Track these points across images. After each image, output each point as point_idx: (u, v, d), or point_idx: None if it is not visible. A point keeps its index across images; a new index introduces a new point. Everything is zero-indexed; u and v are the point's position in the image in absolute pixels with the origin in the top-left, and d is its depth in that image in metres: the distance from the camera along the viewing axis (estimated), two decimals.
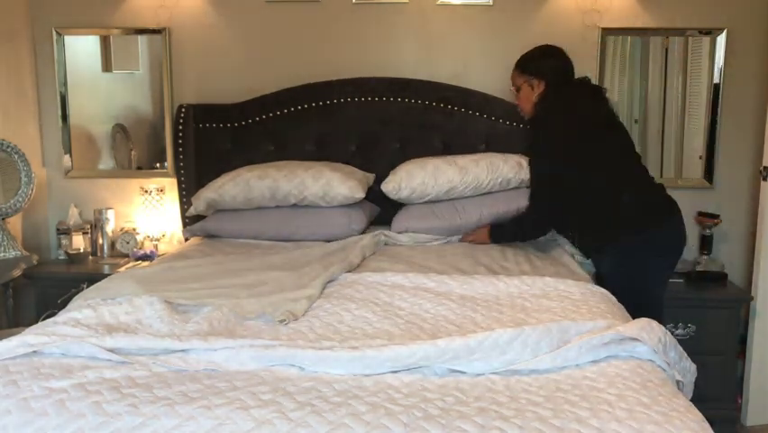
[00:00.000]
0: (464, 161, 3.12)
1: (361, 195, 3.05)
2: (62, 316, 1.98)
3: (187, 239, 3.27)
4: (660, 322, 1.87)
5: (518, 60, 2.90)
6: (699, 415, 1.49)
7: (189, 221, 3.40)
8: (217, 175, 3.22)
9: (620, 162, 2.71)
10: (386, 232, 3.01)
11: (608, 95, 2.84)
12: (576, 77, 2.85)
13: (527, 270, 2.57)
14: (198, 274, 2.45)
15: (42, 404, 1.47)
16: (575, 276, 2.51)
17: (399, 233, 3.03)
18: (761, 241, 3.13)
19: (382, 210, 3.28)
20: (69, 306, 2.17)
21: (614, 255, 2.70)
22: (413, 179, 3.06)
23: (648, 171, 2.80)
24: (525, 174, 3.05)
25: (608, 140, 2.70)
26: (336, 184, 3.02)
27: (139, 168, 3.67)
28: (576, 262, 2.78)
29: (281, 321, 1.96)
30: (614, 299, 2.25)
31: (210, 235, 3.15)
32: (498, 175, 3.07)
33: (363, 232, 3.07)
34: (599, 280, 2.68)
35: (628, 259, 2.66)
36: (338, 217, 3.03)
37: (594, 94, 2.80)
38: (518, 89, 2.88)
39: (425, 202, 3.12)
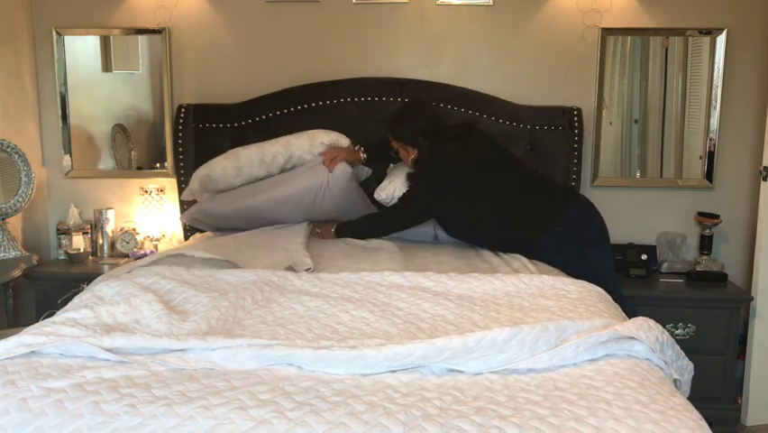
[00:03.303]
0: None
1: (345, 141, 3.09)
2: (60, 316, 1.98)
3: (185, 225, 3.39)
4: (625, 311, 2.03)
5: (389, 125, 2.98)
6: (697, 413, 1.49)
7: (187, 207, 3.41)
8: None
9: (497, 200, 2.79)
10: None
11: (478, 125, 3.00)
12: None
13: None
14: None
15: (41, 404, 1.47)
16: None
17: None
18: (761, 241, 3.13)
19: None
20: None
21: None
22: (405, 188, 3.01)
23: (531, 180, 2.89)
24: None
25: (481, 185, 2.80)
26: (321, 135, 3.08)
27: (139, 168, 3.67)
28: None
29: (307, 270, 2.45)
30: (610, 298, 2.25)
31: (207, 228, 3.20)
32: None
33: None
34: None
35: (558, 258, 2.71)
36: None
37: (465, 139, 2.87)
38: (397, 151, 2.99)
39: None
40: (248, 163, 3.08)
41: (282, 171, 3.12)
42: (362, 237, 2.98)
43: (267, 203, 3.01)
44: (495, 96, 3.42)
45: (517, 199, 2.80)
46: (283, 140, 3.10)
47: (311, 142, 3.06)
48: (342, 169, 2.99)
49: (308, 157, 3.07)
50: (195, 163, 3.47)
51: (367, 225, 3.02)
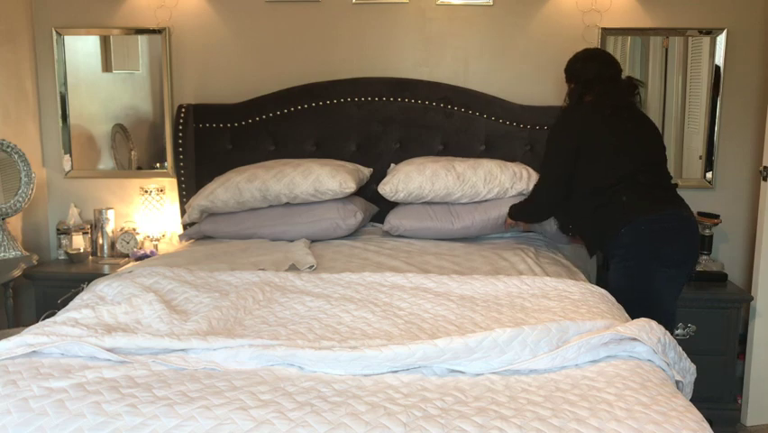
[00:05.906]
0: (463, 167, 3.08)
1: (351, 187, 3.03)
2: (61, 315, 1.98)
3: (185, 226, 3.33)
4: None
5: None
6: (699, 415, 1.49)
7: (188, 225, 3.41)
8: (218, 175, 3.23)
9: (624, 161, 2.63)
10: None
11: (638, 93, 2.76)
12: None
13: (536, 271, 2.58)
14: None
15: (42, 404, 1.47)
16: (574, 275, 2.52)
17: (391, 232, 3.10)
18: (761, 241, 3.13)
19: (382, 209, 3.27)
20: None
21: (617, 262, 2.63)
22: (410, 181, 3.05)
23: (662, 176, 2.76)
24: (522, 184, 3.05)
25: (611, 140, 2.63)
26: (326, 179, 3.02)
27: (139, 168, 3.67)
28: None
29: (310, 267, 2.53)
30: (613, 299, 2.25)
31: (203, 237, 3.16)
32: (494, 185, 3.05)
33: (359, 228, 3.14)
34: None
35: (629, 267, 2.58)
36: (331, 212, 3.05)
37: (617, 95, 2.70)
38: None
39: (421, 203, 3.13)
40: (250, 199, 3.07)
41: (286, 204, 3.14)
42: (531, 218, 2.95)
43: (274, 236, 3.05)
44: (495, 96, 3.42)
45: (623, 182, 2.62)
46: (286, 179, 3.03)
47: (316, 188, 3.01)
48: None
49: (312, 199, 3.05)
50: (195, 163, 3.48)
51: (527, 203, 2.90)
